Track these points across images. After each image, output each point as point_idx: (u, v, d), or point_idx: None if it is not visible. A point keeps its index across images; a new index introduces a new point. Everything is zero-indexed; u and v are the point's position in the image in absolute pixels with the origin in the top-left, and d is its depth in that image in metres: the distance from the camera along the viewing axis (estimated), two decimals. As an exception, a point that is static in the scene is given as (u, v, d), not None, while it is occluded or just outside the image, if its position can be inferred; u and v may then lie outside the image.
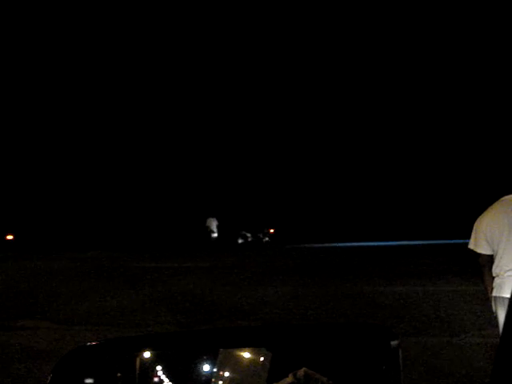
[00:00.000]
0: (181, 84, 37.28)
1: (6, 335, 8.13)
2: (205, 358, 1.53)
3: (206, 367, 1.53)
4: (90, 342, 1.49)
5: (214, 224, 30.23)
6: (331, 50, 37.21)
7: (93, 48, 35.39)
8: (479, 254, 4.60)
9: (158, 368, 1.54)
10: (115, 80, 36.15)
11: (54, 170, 34.06)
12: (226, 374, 1.54)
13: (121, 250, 24.12)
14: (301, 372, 1.40)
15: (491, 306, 4.53)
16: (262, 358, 1.52)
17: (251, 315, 9.29)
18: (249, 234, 32.48)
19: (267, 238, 32.80)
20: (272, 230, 33.37)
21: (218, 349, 1.51)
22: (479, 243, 4.57)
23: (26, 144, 33.65)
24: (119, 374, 1.54)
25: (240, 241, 31.93)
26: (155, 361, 1.55)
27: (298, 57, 37.90)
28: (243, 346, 1.55)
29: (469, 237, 4.67)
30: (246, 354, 1.56)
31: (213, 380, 1.54)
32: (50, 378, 1.40)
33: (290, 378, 1.40)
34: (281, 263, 18.37)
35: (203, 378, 1.53)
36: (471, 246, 4.66)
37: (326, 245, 27.12)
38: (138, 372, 1.53)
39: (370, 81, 36.83)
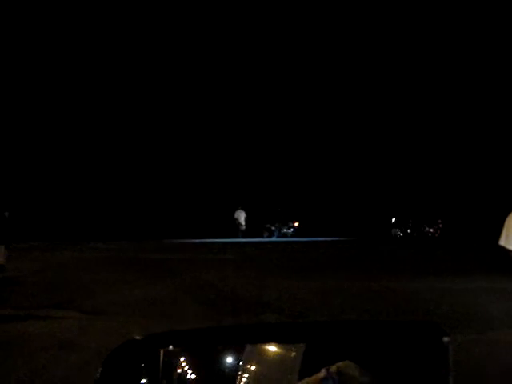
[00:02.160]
0: (209, 79, 37.39)
1: (32, 325, 8.22)
2: (246, 352, 1.55)
3: (248, 362, 1.54)
4: (137, 335, 1.50)
5: (242, 216, 30.27)
6: (336, 43, 37.21)
7: (93, 48, 35.60)
8: (510, 251, 4.51)
9: (203, 361, 1.56)
10: (146, 71, 36.44)
11: (77, 158, 34.38)
12: (262, 369, 1.54)
13: (148, 241, 24.27)
14: (334, 368, 1.39)
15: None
16: (293, 353, 1.51)
17: (277, 309, 9.26)
18: (273, 228, 32.41)
19: (291, 231, 32.71)
20: (297, 223, 33.25)
21: (264, 344, 1.53)
22: (511, 240, 4.48)
23: (47, 138, 33.95)
24: (164, 368, 1.56)
25: (265, 234, 31.90)
26: (200, 355, 1.57)
27: (316, 49, 37.85)
28: (288, 342, 1.54)
29: (495, 235, 4.59)
30: (278, 350, 1.56)
31: (243, 374, 1.55)
32: (100, 371, 1.41)
33: (322, 373, 1.39)
34: (305, 257, 18.31)
35: (245, 374, 1.55)
36: (502, 242, 4.58)
37: (350, 239, 26.99)
38: (181, 365, 1.55)
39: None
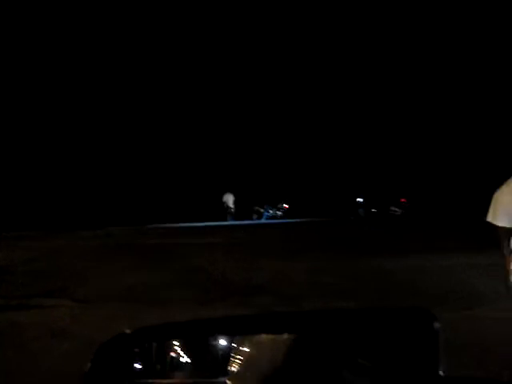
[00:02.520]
0: (198, 67, 37.36)
1: (24, 314, 8.22)
2: (237, 337, 1.57)
3: (240, 346, 1.56)
4: (127, 328, 1.50)
5: (230, 200, 30.28)
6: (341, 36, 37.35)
7: (93, 48, 35.38)
8: (498, 227, 4.54)
9: (194, 350, 1.58)
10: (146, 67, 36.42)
11: (65, 146, 34.24)
12: (255, 353, 1.56)
13: (135, 226, 24.24)
14: None
15: (508, 279, 4.50)
16: (285, 336, 1.53)
17: (267, 291, 9.32)
18: (262, 210, 32.45)
19: (281, 213, 32.78)
20: (286, 205, 33.31)
21: (258, 335, 1.55)
22: (498, 216, 4.51)
23: (36, 126, 33.75)
24: (157, 361, 1.57)
25: (254, 217, 31.96)
26: (191, 345, 1.59)
27: (315, 41, 37.88)
28: (279, 333, 1.56)
29: (482, 210, 4.62)
30: (266, 341, 1.58)
31: (234, 365, 1.57)
32: (89, 366, 1.41)
33: None
34: (295, 238, 18.37)
35: (238, 357, 1.57)
36: (489, 218, 4.60)
37: (337, 219, 27.14)
38: (173, 358, 1.57)
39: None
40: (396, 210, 32.82)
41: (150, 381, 1.57)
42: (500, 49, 32.88)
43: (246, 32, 37.18)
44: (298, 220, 27.25)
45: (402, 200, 33.10)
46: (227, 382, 1.56)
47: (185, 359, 1.59)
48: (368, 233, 19.61)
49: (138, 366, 1.52)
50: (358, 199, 34.08)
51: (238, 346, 1.60)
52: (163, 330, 1.60)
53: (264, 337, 1.58)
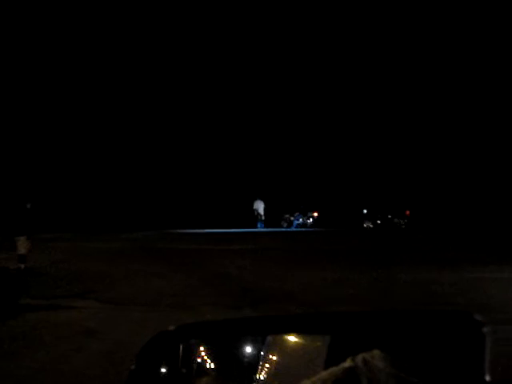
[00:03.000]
0: (230, 70, 37.67)
1: (53, 314, 8.30)
2: (268, 342, 1.54)
3: (270, 352, 1.53)
4: (170, 326, 1.49)
5: (261, 207, 30.24)
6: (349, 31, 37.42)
7: (93, 48, 35.79)
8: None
9: (229, 351, 1.56)
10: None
11: (100, 150, 34.67)
12: (284, 359, 1.53)
13: (168, 231, 24.39)
14: (359, 357, 1.36)
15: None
16: (318, 343, 1.50)
17: (295, 298, 9.26)
18: (292, 218, 32.34)
19: (310, 221, 32.64)
20: (316, 214, 33.16)
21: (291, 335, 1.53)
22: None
23: (68, 132, 34.26)
24: (198, 358, 1.56)
25: (284, 224, 31.90)
26: (228, 345, 1.57)
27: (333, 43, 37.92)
28: (314, 333, 1.52)
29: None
30: (301, 340, 1.54)
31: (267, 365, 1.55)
32: (134, 364, 1.40)
33: (348, 363, 1.36)
34: (323, 248, 18.26)
35: (266, 364, 1.55)
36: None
37: (354, 230, 26.99)
38: (206, 355, 1.56)
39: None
40: (400, 221, 33.08)
41: None
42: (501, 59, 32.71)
43: (275, 47, 37.51)
44: (325, 229, 27.14)
45: (407, 212, 33.43)
46: None
47: (215, 364, 1.57)
48: (389, 244, 19.39)
49: (179, 362, 1.52)
50: (364, 211, 34.46)
51: (268, 352, 1.57)
52: (205, 328, 1.59)
53: (295, 342, 1.55)
